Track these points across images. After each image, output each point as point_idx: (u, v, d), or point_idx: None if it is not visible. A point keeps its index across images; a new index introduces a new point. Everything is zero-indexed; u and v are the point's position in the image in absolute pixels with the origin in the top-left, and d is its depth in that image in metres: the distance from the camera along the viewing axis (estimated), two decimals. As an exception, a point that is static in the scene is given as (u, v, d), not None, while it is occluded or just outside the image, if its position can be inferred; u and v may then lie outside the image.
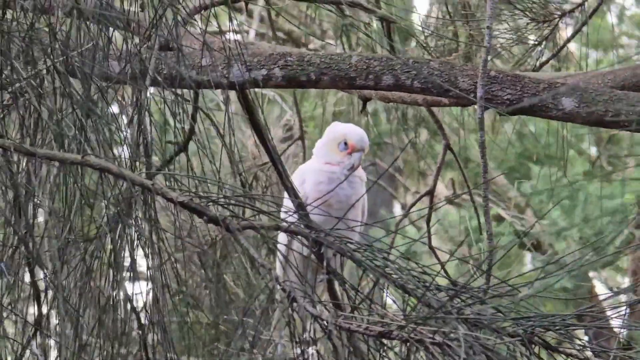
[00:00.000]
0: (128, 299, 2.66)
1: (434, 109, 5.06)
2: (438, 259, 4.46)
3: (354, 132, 3.47)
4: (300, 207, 3.05)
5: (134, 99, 2.76)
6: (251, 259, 2.22)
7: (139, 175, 2.40)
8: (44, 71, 2.66)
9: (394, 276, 2.16)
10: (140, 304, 2.69)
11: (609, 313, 2.37)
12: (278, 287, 2.20)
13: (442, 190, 8.73)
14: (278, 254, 2.51)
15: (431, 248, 4.78)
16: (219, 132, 2.86)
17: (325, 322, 2.13)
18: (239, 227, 2.27)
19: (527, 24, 4.82)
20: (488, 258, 2.61)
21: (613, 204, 8.09)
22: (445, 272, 2.74)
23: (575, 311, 2.23)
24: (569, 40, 4.85)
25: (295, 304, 2.16)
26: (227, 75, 3.33)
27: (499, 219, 8.75)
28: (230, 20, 2.98)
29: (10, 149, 2.45)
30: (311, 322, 2.22)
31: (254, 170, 5.78)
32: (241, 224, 2.27)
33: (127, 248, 2.64)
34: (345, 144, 3.46)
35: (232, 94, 3.58)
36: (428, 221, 4.90)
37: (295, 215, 2.58)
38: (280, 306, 2.24)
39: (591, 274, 8.90)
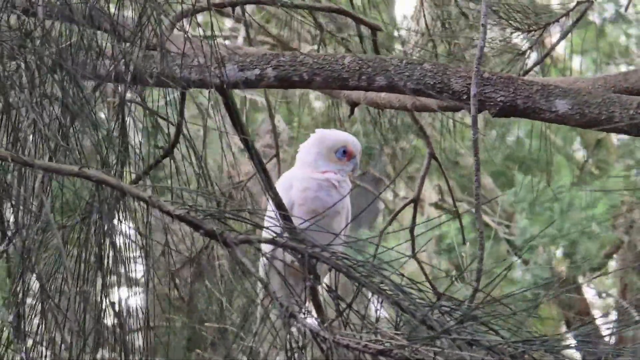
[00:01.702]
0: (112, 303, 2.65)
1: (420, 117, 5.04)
2: (426, 275, 4.44)
3: (352, 139, 3.53)
4: (285, 216, 3.07)
5: (120, 101, 2.75)
6: (247, 273, 2.21)
7: (136, 187, 2.39)
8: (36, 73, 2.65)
9: (389, 292, 2.16)
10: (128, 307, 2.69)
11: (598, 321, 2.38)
12: (275, 301, 2.19)
13: (432, 195, 8.73)
14: (264, 264, 2.51)
15: (415, 257, 4.75)
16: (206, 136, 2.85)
17: (323, 339, 2.12)
18: (236, 241, 2.27)
19: (511, 33, 4.81)
20: (477, 277, 2.61)
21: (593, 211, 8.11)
22: (433, 287, 2.76)
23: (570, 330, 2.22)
24: (552, 48, 4.85)
25: (293, 319, 2.16)
26: (220, 76, 3.29)
27: (485, 225, 8.75)
28: (212, 25, 2.97)
29: (7, 159, 2.43)
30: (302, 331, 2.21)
31: (228, 190, 5.77)
32: (238, 238, 2.27)
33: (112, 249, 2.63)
34: (344, 151, 3.50)
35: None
36: (412, 231, 4.90)
37: (283, 226, 2.57)
38: (279, 321, 2.23)
39: (580, 279, 8.93)
